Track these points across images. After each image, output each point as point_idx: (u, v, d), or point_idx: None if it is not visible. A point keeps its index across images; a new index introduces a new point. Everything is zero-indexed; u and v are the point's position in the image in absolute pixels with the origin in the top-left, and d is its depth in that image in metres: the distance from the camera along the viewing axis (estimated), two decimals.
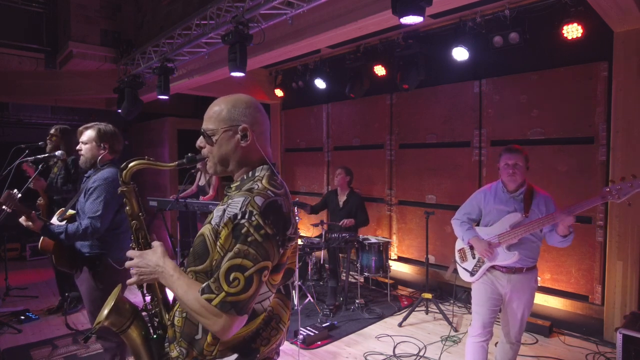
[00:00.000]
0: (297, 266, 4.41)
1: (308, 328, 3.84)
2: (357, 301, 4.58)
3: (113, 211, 2.44)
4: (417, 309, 4.43)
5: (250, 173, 1.30)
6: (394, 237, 5.61)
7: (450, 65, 4.68)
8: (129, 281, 1.31)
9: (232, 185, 1.32)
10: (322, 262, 5.49)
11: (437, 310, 4.27)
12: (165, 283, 1.25)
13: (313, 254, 5.09)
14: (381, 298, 4.91)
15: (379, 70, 5.35)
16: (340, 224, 4.80)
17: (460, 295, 4.72)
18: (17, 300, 4.83)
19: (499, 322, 2.77)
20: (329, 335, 3.87)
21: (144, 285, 1.39)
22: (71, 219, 2.58)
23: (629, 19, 3.33)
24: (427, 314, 4.40)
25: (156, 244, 1.32)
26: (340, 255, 4.95)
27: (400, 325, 4.12)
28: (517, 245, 2.53)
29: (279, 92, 6.95)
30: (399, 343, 3.72)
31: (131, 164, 1.37)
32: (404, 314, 4.26)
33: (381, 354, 3.53)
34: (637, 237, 3.55)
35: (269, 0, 3.24)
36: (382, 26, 3.45)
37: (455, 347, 3.64)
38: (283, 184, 1.31)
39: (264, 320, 1.26)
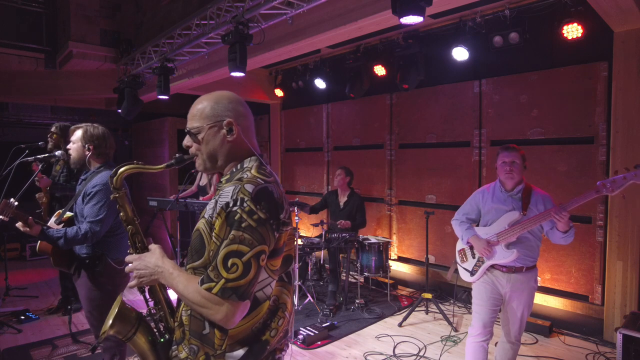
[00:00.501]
0: (297, 266, 4.44)
1: (308, 328, 3.83)
2: (357, 301, 4.58)
3: (113, 215, 2.43)
4: (417, 309, 4.44)
5: (239, 165, 1.32)
6: (394, 237, 5.61)
7: (450, 65, 4.69)
8: (130, 284, 1.32)
9: (222, 179, 1.33)
10: (322, 262, 5.49)
11: (437, 310, 4.27)
12: (165, 282, 1.25)
13: (313, 254, 5.08)
14: (381, 298, 4.91)
15: (379, 70, 5.35)
16: (337, 223, 4.80)
17: (461, 295, 4.72)
18: (17, 300, 4.82)
19: (499, 322, 2.77)
20: (329, 335, 3.87)
21: (146, 289, 1.39)
22: (68, 222, 2.56)
23: (629, 19, 3.33)
24: (427, 314, 4.40)
25: (153, 246, 1.34)
26: (341, 255, 4.95)
27: (400, 325, 4.12)
28: (515, 244, 2.54)
29: (279, 92, 6.95)
30: (399, 343, 3.72)
31: (120, 170, 1.38)
32: (404, 314, 4.26)
33: (381, 354, 3.53)
34: (637, 237, 3.55)
35: (269, 0, 3.24)
36: (382, 26, 3.45)
37: (455, 347, 3.64)
38: (272, 173, 1.32)
39: (270, 310, 1.26)
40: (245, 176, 1.24)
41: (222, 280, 1.12)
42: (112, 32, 5.83)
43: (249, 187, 1.18)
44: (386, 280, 4.93)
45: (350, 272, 5.15)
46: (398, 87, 4.91)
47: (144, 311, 1.43)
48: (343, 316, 4.34)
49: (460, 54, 4.37)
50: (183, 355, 1.27)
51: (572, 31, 3.74)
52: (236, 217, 1.14)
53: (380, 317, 4.32)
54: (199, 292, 1.14)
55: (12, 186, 2.43)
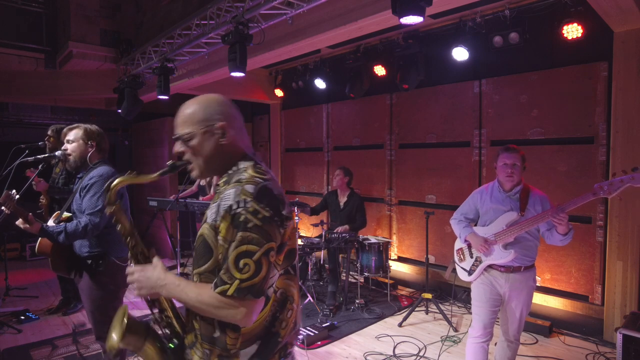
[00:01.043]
0: (297, 265, 4.40)
1: (308, 328, 3.84)
2: (357, 301, 4.58)
3: None
4: (417, 309, 4.44)
5: (234, 167, 1.32)
6: (394, 237, 5.61)
7: (450, 65, 4.69)
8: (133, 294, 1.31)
9: (220, 182, 1.33)
10: (322, 262, 5.49)
11: (437, 310, 4.27)
12: (172, 294, 1.24)
13: (313, 254, 5.08)
14: (381, 298, 4.91)
15: (379, 70, 5.35)
16: (335, 231, 4.80)
17: (460, 295, 4.72)
18: (17, 300, 4.82)
19: (498, 322, 2.77)
20: (329, 335, 3.87)
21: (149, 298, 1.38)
22: (67, 222, 2.56)
23: (629, 19, 3.33)
24: (427, 314, 4.40)
25: (156, 259, 1.33)
26: (340, 255, 4.95)
27: (400, 325, 4.12)
28: (513, 244, 2.55)
29: (279, 92, 6.95)
30: (399, 343, 3.72)
31: (114, 184, 1.38)
32: (404, 314, 4.26)
33: (381, 354, 3.53)
34: (637, 237, 3.55)
35: (269, 0, 3.24)
36: (382, 26, 3.45)
37: (455, 347, 3.64)
38: (268, 170, 1.33)
39: (278, 303, 1.28)
40: (243, 177, 1.24)
41: (237, 281, 1.14)
42: (112, 32, 5.83)
43: (250, 188, 1.19)
44: (386, 281, 4.93)
45: (350, 272, 5.15)
46: (398, 87, 4.91)
47: (147, 312, 1.41)
48: (343, 316, 4.34)
49: (460, 54, 4.37)
50: (196, 358, 1.27)
51: (572, 31, 3.74)
52: (241, 219, 1.15)
53: (380, 317, 4.32)
54: (214, 297, 1.15)
55: (12, 186, 2.43)
